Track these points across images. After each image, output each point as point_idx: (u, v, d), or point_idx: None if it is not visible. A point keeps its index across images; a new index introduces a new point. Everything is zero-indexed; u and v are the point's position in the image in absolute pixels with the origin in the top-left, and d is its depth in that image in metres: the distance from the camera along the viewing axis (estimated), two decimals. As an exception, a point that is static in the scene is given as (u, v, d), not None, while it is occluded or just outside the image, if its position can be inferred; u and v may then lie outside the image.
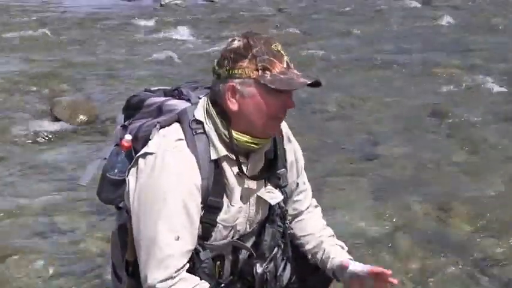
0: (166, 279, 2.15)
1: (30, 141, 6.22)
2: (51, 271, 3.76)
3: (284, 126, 2.48)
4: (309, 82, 2.15)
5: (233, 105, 2.19)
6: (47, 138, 6.31)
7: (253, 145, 2.24)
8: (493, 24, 12.47)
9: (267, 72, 2.14)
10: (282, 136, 2.47)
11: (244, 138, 2.22)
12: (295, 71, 2.18)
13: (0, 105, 7.35)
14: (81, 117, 6.71)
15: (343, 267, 2.39)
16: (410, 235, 4.16)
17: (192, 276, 2.23)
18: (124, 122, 2.53)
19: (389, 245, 4.04)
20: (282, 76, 2.14)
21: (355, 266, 2.38)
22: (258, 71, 2.14)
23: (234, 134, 2.21)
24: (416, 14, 14.19)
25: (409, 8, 15.27)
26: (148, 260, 2.17)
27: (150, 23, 13.50)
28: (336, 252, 2.48)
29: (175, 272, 2.16)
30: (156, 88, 2.60)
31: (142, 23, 13.49)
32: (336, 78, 8.51)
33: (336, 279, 2.51)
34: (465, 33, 11.63)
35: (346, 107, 7.21)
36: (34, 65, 9.38)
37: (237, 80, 2.17)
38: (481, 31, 11.76)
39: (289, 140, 2.50)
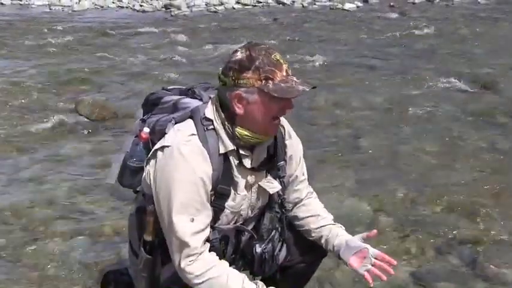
0: (187, 256, 2.17)
1: (57, 134, 6.21)
2: (73, 249, 3.75)
3: (286, 123, 2.46)
4: (307, 89, 2.13)
5: (240, 110, 2.17)
6: (71, 132, 6.30)
7: (255, 139, 2.23)
8: (462, 34, 12.46)
9: (269, 81, 2.11)
10: (284, 132, 2.44)
11: (245, 132, 2.20)
12: (294, 78, 2.14)
13: (31, 103, 7.35)
14: (101, 113, 6.69)
15: (369, 236, 2.39)
16: (388, 216, 4.14)
17: (211, 257, 2.22)
18: (143, 116, 2.52)
19: (369, 225, 4.02)
20: (282, 85, 2.11)
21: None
22: (262, 81, 2.11)
23: (238, 129, 2.20)
24: (394, 24, 14.17)
25: (387, 18, 15.24)
26: (170, 240, 2.19)
27: (162, 31, 13.47)
28: (342, 232, 2.48)
29: (195, 248, 2.17)
30: (172, 87, 2.59)
31: (156, 31, 13.46)
32: (324, 79, 8.48)
33: (338, 256, 2.45)
34: (437, 41, 11.62)
35: (333, 104, 7.18)
36: (61, 68, 9.37)
37: (242, 89, 2.13)
38: (451, 40, 11.75)
39: (290, 136, 2.47)
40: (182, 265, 2.19)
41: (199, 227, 2.18)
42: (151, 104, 2.51)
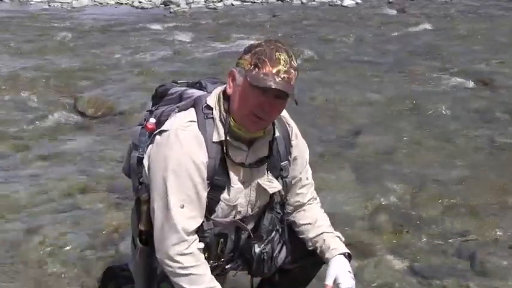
0: (176, 243, 2.16)
1: (57, 131, 6.18)
2: (73, 244, 3.74)
3: (293, 125, 2.44)
4: (273, 87, 2.05)
5: (230, 89, 2.19)
6: (71, 128, 6.28)
7: (238, 131, 2.21)
8: (459, 30, 12.43)
9: (256, 69, 2.10)
10: (290, 132, 2.42)
11: (233, 123, 2.20)
12: (279, 80, 2.07)
13: (30, 99, 7.31)
14: (100, 110, 6.68)
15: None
16: (386, 212, 4.14)
17: (201, 254, 2.22)
18: (151, 107, 2.55)
19: (368, 221, 4.03)
20: (261, 75, 2.08)
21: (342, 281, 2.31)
22: (251, 65, 2.11)
23: (230, 119, 2.20)
24: (393, 21, 14.13)
25: (386, 15, 15.20)
26: (160, 225, 2.19)
27: (161, 27, 13.41)
28: (335, 243, 2.42)
29: (182, 236, 2.16)
30: (181, 81, 2.63)
31: (155, 27, 13.40)
32: (323, 76, 8.46)
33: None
34: (436, 38, 11.59)
35: (331, 101, 7.16)
36: (60, 66, 9.33)
37: (238, 68, 2.16)
38: (450, 36, 11.72)
39: (297, 137, 2.44)
40: (171, 252, 2.17)
41: (188, 214, 2.17)
42: (159, 96, 2.56)
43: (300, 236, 2.50)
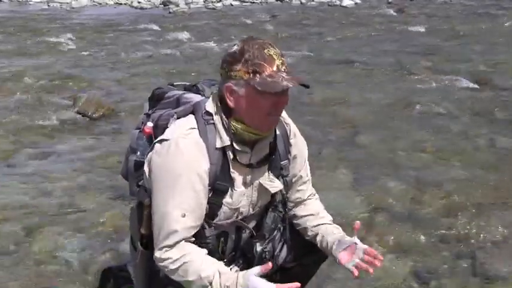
0: (166, 246, 2.17)
1: (56, 131, 6.19)
2: (72, 245, 3.74)
3: (291, 123, 2.44)
4: (291, 86, 2.07)
5: (231, 102, 2.16)
6: (70, 128, 6.29)
7: (248, 134, 2.20)
8: (458, 30, 12.45)
9: (257, 75, 2.08)
10: (289, 131, 2.41)
11: (238, 126, 2.18)
12: (284, 74, 2.09)
13: (29, 100, 7.32)
14: (99, 110, 6.68)
15: (354, 229, 2.34)
16: (386, 213, 4.13)
17: (188, 245, 2.20)
18: (148, 110, 2.54)
19: (368, 221, 4.01)
20: (268, 79, 2.07)
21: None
22: (249, 74, 2.09)
23: (232, 122, 2.19)
24: (392, 21, 14.16)
25: (385, 15, 15.23)
26: (158, 233, 2.19)
27: (160, 28, 13.45)
28: (338, 230, 2.45)
29: (176, 243, 2.17)
30: (178, 83, 2.62)
31: (154, 28, 13.44)
32: (322, 76, 8.47)
33: (330, 254, 2.41)
34: (434, 37, 11.61)
35: (331, 101, 7.18)
36: (60, 66, 9.35)
37: (233, 81, 2.13)
38: (448, 36, 11.75)
39: (295, 135, 2.44)
40: (160, 253, 2.18)
41: (189, 224, 2.17)
42: (156, 99, 2.55)
43: (300, 227, 2.51)
